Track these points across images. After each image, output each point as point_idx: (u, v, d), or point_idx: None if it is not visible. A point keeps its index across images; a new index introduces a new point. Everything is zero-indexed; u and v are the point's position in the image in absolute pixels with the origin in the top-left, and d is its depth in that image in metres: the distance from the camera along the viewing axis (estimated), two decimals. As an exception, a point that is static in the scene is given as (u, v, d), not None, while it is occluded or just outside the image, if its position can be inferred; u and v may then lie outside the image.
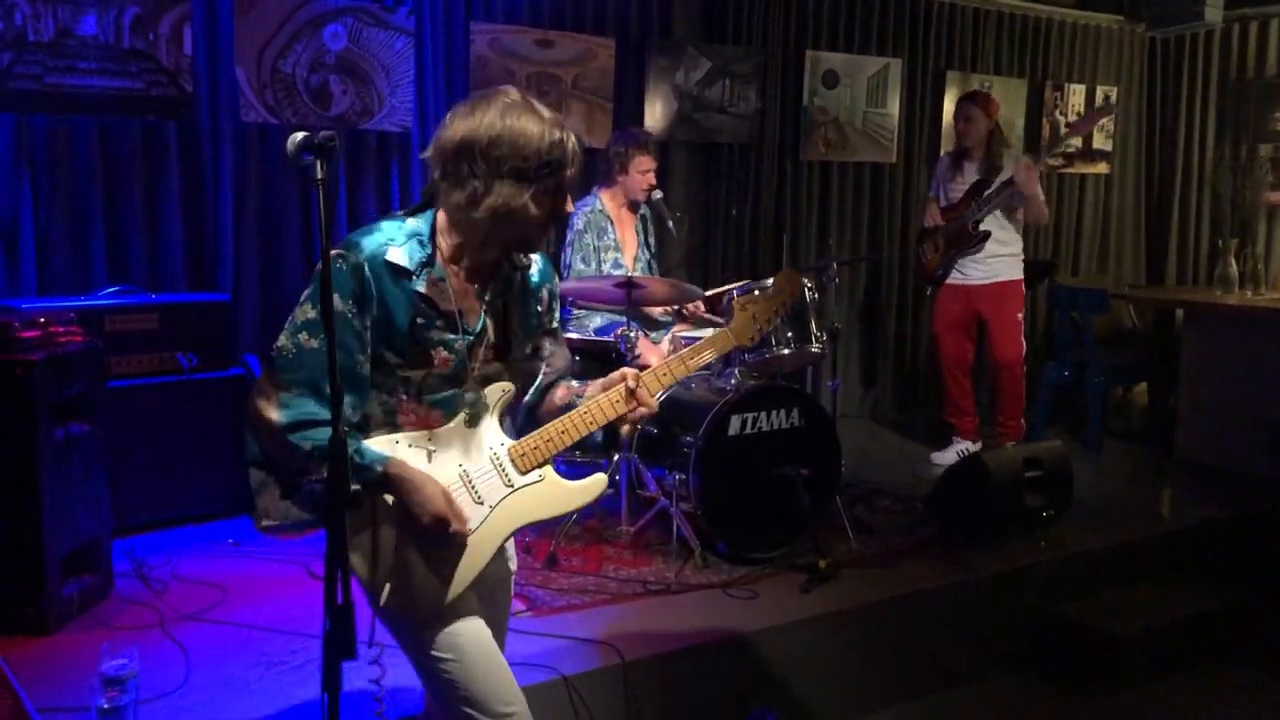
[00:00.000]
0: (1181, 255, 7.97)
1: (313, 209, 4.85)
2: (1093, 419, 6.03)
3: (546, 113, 2.02)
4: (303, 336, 1.99)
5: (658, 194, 4.94)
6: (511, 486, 2.14)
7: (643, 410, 2.20)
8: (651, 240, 5.20)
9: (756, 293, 2.33)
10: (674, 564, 3.96)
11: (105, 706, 2.62)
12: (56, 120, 4.36)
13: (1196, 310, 6.00)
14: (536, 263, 2.26)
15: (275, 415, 1.97)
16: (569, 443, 2.17)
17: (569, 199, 2.10)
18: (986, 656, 4.04)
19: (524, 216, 2.02)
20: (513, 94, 2.03)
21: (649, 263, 5.18)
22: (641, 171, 4.93)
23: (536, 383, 2.31)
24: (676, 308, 4.94)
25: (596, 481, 2.21)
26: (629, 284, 4.11)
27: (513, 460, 2.14)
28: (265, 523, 2.08)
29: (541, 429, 2.17)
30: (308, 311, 2.00)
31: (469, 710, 2.09)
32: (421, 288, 2.05)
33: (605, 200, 5.03)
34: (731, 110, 6.16)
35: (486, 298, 2.15)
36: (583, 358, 4.30)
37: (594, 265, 4.92)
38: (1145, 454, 6.19)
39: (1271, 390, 5.54)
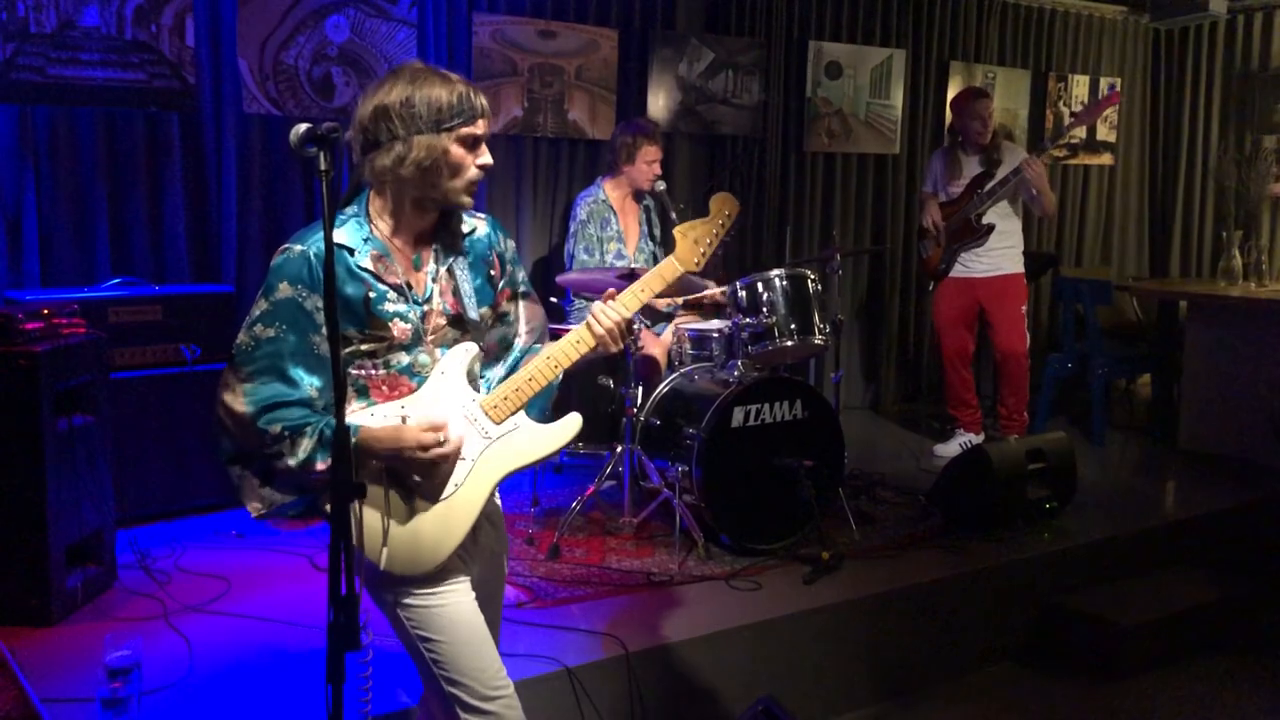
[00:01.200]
0: (1185, 247, 7.97)
1: (316, 200, 4.86)
2: (1096, 411, 6.03)
3: (452, 76, 2.12)
4: (258, 328, 2.06)
5: (661, 185, 4.93)
6: (489, 438, 2.18)
7: (604, 336, 2.23)
8: (655, 231, 5.20)
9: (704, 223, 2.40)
10: (677, 555, 3.96)
11: (109, 697, 2.62)
12: (60, 112, 4.36)
13: (1200, 302, 5.99)
14: (482, 226, 2.31)
15: (241, 405, 2.03)
16: (538, 389, 2.21)
17: (486, 149, 2.16)
18: (990, 647, 4.05)
19: (446, 163, 2.09)
20: (417, 63, 2.14)
21: (653, 253, 5.17)
22: (648, 161, 4.92)
23: (515, 345, 2.36)
24: (680, 300, 4.93)
25: (571, 421, 2.24)
26: (631, 276, 4.10)
27: (486, 413, 2.18)
28: (256, 513, 2.12)
29: (510, 379, 2.22)
30: (261, 305, 2.07)
31: (455, 691, 2.11)
32: (366, 263, 2.11)
33: (609, 190, 5.02)
34: (734, 102, 6.15)
35: (431, 269, 2.20)
36: (586, 349, 4.29)
37: (597, 256, 4.92)
38: (1148, 445, 6.19)
39: (1274, 381, 5.53)
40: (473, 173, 2.13)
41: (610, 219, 4.97)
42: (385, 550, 2.08)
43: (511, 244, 2.39)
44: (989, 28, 7.09)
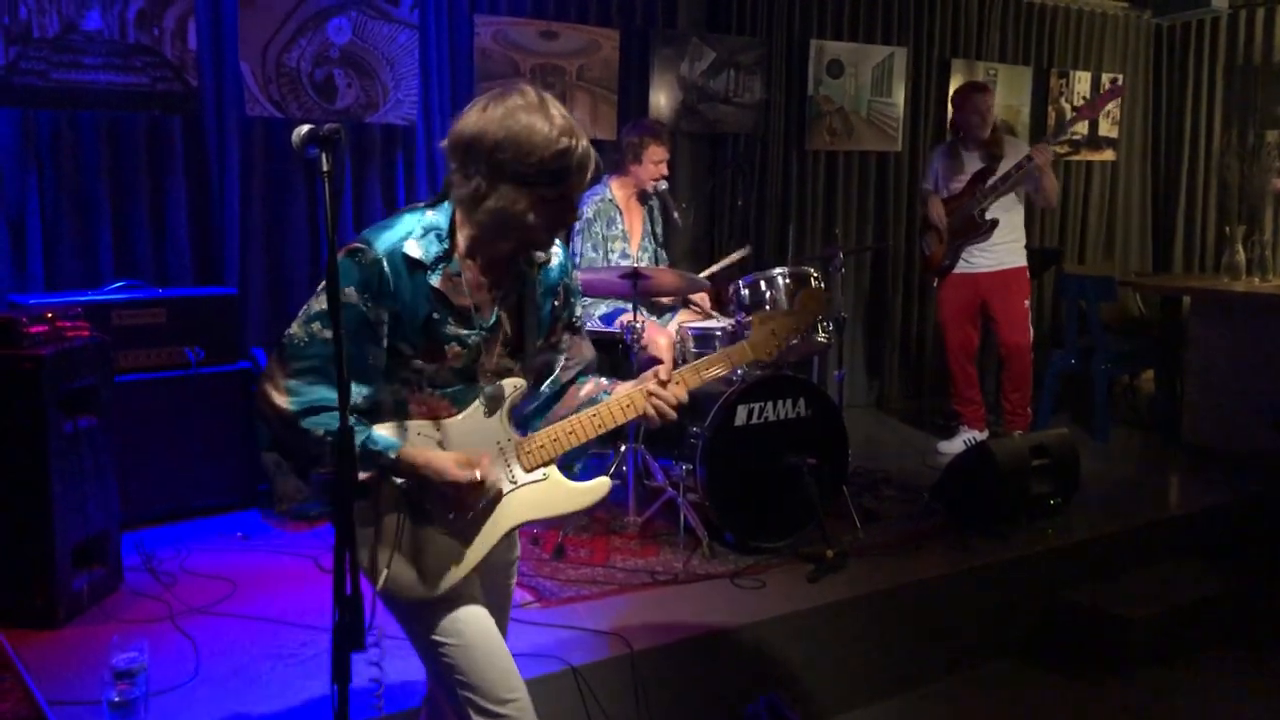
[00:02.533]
0: (1188, 242, 7.96)
1: (319, 202, 4.87)
2: (1099, 406, 6.02)
3: (559, 119, 1.98)
4: (315, 326, 1.99)
5: (663, 185, 4.94)
6: (515, 483, 2.15)
7: (655, 415, 2.20)
8: (659, 230, 5.20)
9: (779, 305, 2.37)
10: (681, 554, 3.97)
11: (116, 699, 2.63)
12: (62, 115, 4.37)
13: (1203, 297, 5.98)
14: (556, 256, 2.24)
15: (285, 403, 1.98)
16: (576, 444, 2.17)
17: (576, 209, 2.08)
18: (995, 643, 4.05)
19: (523, 222, 2.01)
20: (530, 95, 2.00)
21: (656, 253, 5.17)
22: (655, 161, 4.91)
23: (554, 375, 2.32)
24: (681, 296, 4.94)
25: (600, 485, 2.21)
26: (635, 275, 4.11)
27: (519, 457, 2.15)
28: (284, 506, 2.11)
29: (550, 428, 2.17)
30: (323, 301, 1.99)
31: (469, 695, 2.10)
32: (436, 282, 2.05)
33: (615, 189, 5.02)
34: (736, 100, 6.15)
35: (500, 293, 2.14)
36: (589, 349, 4.30)
37: (602, 254, 4.92)
38: (1152, 440, 6.18)
39: (1277, 376, 5.53)
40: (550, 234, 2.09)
41: (616, 218, 4.97)
42: (385, 572, 2.06)
43: (578, 275, 2.33)
44: (990, 25, 7.09)
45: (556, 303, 2.26)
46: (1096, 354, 6.06)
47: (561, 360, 2.32)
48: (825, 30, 6.43)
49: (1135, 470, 5.62)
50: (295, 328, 2.02)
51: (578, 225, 4.99)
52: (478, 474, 2.03)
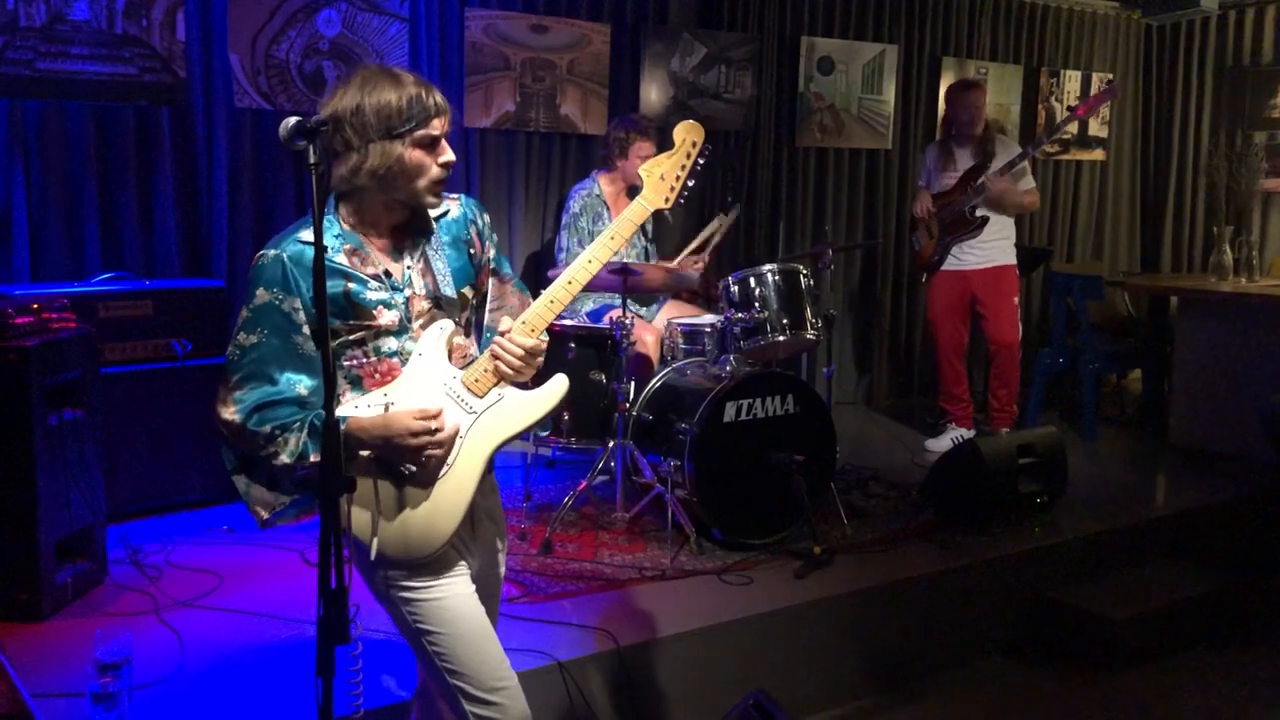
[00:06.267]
0: (1176, 242, 7.99)
1: (307, 193, 4.85)
2: (1087, 405, 6.04)
3: (405, 76, 2.10)
4: (241, 336, 2.08)
5: (652, 180, 4.93)
6: (475, 413, 2.16)
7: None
8: (649, 226, 5.19)
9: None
10: (669, 550, 3.97)
11: (100, 692, 2.62)
12: (49, 106, 4.35)
13: (1191, 297, 6.00)
14: (455, 207, 2.29)
15: (231, 414, 2.05)
16: None
17: (447, 147, 2.14)
18: (981, 641, 4.06)
19: (403, 168, 2.07)
20: (371, 68, 2.12)
21: (645, 249, 5.17)
22: (641, 157, 4.90)
23: (485, 327, 2.36)
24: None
25: (558, 383, 2.20)
26: (624, 270, 4.10)
27: (468, 388, 2.16)
28: (263, 519, 2.11)
29: (485, 353, 2.19)
30: (243, 313, 2.09)
31: (459, 684, 2.11)
32: (340, 258, 2.11)
33: (603, 185, 5.01)
34: (727, 97, 6.15)
35: (407, 255, 2.19)
36: (578, 345, 4.30)
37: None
38: (1139, 440, 6.20)
39: (1264, 376, 5.55)
40: (435, 173, 2.12)
41: (603, 213, 4.96)
42: (376, 540, 2.07)
43: (487, 218, 2.36)
44: (981, 23, 7.10)
45: (472, 250, 2.30)
46: (1084, 353, 6.07)
47: (489, 306, 2.37)
48: (816, 27, 6.44)
49: (1122, 469, 5.64)
50: (229, 348, 2.10)
51: (564, 220, 4.98)
52: (433, 424, 2.05)
